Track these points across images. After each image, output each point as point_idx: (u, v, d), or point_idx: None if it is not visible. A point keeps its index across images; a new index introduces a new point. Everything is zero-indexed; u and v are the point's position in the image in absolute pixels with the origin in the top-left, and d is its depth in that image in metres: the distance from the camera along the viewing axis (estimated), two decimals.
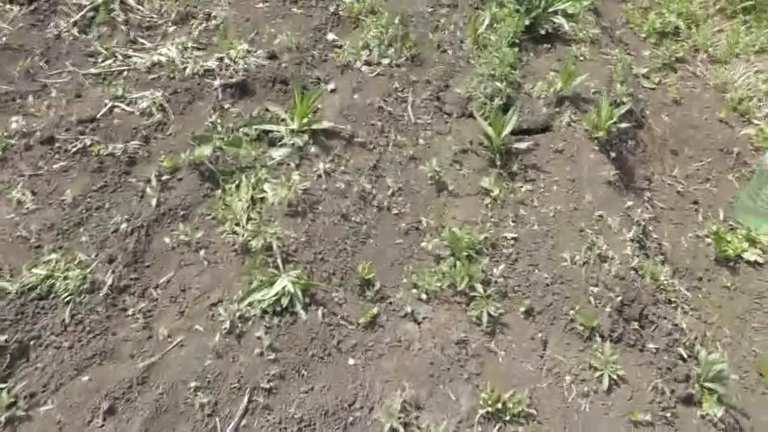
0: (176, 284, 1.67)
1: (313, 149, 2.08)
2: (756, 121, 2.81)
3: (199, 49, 2.47)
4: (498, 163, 2.16)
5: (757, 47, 3.15)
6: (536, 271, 1.83)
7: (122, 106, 2.12)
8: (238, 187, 1.89)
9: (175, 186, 1.90)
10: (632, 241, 1.95)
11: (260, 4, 2.74)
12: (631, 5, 3.65)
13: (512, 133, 2.24)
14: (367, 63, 2.49)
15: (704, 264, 2.20)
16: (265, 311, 1.61)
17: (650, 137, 2.75)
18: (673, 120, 2.89)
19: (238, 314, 1.60)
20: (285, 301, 1.61)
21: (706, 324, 1.98)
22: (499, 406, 1.50)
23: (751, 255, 2.24)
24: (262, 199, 1.88)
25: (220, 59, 2.40)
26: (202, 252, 1.74)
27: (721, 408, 1.58)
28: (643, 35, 3.41)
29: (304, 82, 2.34)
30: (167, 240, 1.75)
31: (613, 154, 2.32)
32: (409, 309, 1.70)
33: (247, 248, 1.75)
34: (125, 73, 2.26)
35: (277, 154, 2.02)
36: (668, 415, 1.55)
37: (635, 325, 1.72)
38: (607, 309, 1.71)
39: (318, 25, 2.68)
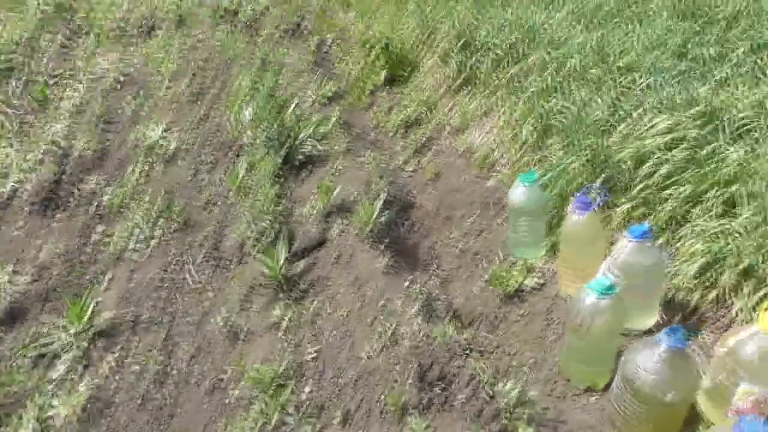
0: None
1: (98, 345, 2.06)
2: (499, 169, 3.21)
3: None
4: (284, 291, 2.27)
5: (481, 111, 3.65)
6: (343, 375, 1.92)
7: None
8: (21, 417, 1.81)
9: None
10: (419, 312, 2.12)
11: (15, 228, 2.74)
12: (376, 109, 4.11)
13: (291, 258, 2.39)
14: (139, 244, 2.55)
15: (496, 304, 2.43)
16: None
17: (424, 213, 3.05)
18: (439, 192, 3.23)
19: None
20: None
21: (509, 356, 2.16)
22: None
23: (530, 281, 2.51)
24: (52, 418, 1.81)
25: None
26: None
27: (531, 427, 1.72)
28: (392, 131, 3.84)
29: (78, 286, 2.34)
30: None
31: (386, 241, 2.53)
32: None
33: None
34: None
35: (61, 366, 1.98)
36: None
37: (440, 386, 1.85)
38: (410, 382, 1.83)
39: (83, 225, 2.72)
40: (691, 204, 2.34)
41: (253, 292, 2.28)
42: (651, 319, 2.19)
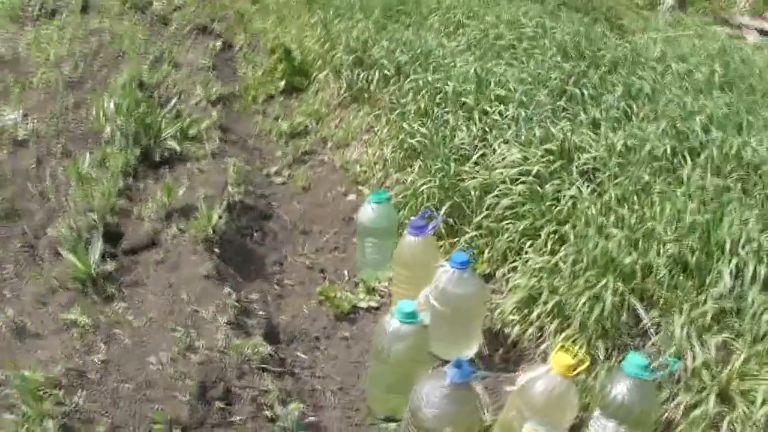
0: None
1: None
2: (367, 187, 3.16)
3: None
4: (90, 291, 2.13)
5: (363, 128, 3.61)
6: (124, 385, 1.79)
7: None
8: None
9: None
10: (227, 324, 2.02)
11: None
12: (264, 116, 4.02)
13: (111, 258, 2.25)
14: None
15: (323, 324, 2.35)
16: None
17: (280, 225, 2.96)
18: (304, 205, 3.16)
19: None
20: None
21: (317, 378, 2.08)
22: None
23: (366, 303, 2.45)
24: None
25: None
26: None
27: None
28: (275, 139, 3.75)
29: None
30: None
31: (221, 248, 2.43)
32: None
33: None
34: None
35: None
36: None
37: (221, 404, 1.75)
38: (186, 398, 1.72)
39: None
40: (527, 238, 2.33)
41: (56, 291, 2.13)
42: (470, 350, 2.16)
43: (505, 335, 2.21)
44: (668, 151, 2.56)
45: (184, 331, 1.95)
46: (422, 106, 3.14)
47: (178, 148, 3.05)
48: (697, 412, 1.71)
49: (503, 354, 2.20)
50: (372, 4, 4.58)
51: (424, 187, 2.60)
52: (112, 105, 3.15)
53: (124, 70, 3.96)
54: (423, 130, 2.85)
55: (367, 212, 2.54)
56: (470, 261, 2.06)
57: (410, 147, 2.93)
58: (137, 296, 2.14)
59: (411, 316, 1.85)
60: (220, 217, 2.48)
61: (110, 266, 2.22)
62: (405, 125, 2.94)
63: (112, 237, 2.39)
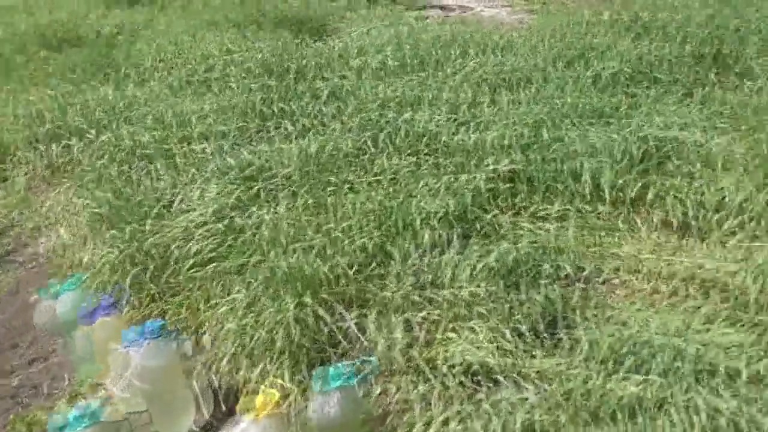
0: None
1: None
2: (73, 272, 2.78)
3: None
4: None
5: (66, 205, 3.19)
6: None
7: None
8: None
9: None
10: None
11: None
12: None
13: None
14: None
15: None
16: None
17: None
18: (7, 314, 2.71)
19: None
20: None
21: None
22: None
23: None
24: None
25: None
26: None
27: None
28: None
29: None
30: None
31: None
32: None
33: None
34: None
35: None
36: None
37: None
38: None
39: None
40: (236, 275, 2.14)
41: None
42: (190, 415, 1.93)
43: (229, 386, 2.00)
44: (367, 143, 2.55)
45: None
46: (117, 166, 2.85)
47: None
48: (406, 395, 1.63)
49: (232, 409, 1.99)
50: (71, 62, 4.27)
51: (108, 259, 2.30)
52: None
53: None
54: (107, 195, 2.54)
55: (60, 306, 2.22)
56: (160, 329, 1.83)
57: (101, 217, 2.61)
58: None
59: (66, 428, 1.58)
60: None
61: None
62: (86, 194, 2.62)
63: None
